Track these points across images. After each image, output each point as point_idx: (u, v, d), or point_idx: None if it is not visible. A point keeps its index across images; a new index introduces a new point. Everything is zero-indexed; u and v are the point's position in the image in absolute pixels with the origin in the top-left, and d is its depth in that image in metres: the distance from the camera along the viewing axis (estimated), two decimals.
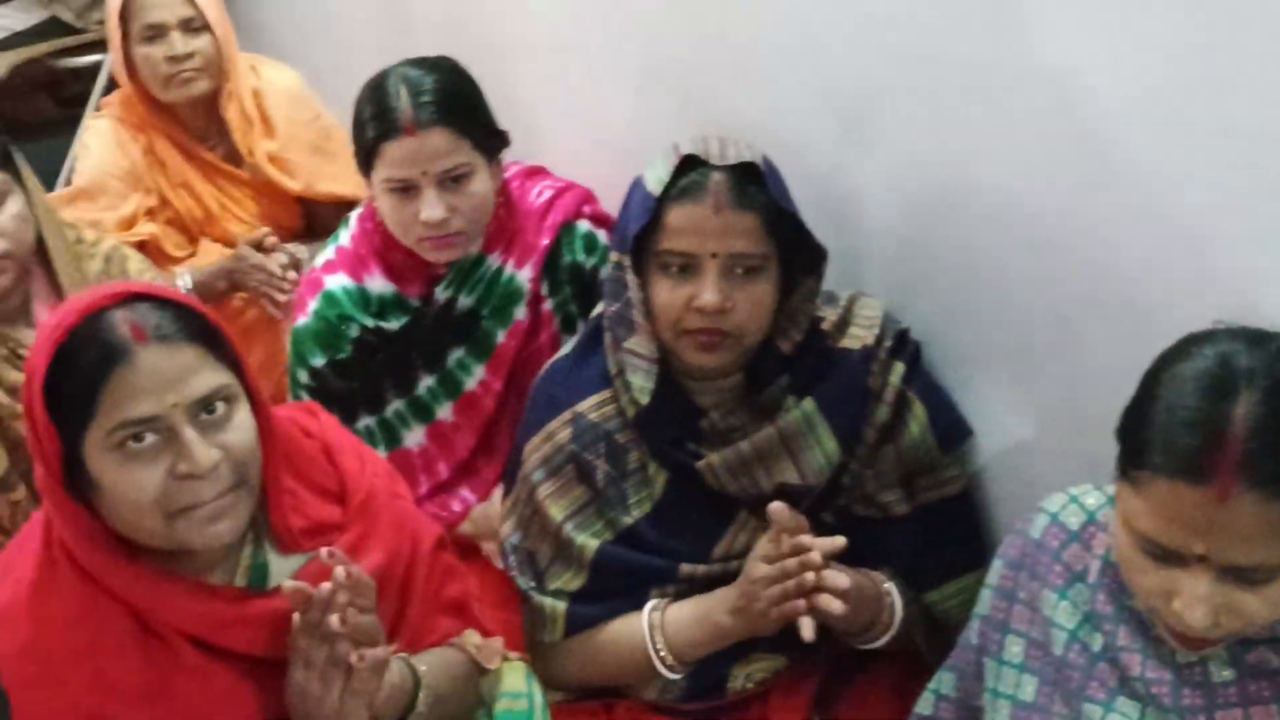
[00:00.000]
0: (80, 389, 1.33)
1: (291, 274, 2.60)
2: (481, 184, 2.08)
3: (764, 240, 1.67)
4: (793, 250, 1.71)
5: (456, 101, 2.05)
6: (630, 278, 1.72)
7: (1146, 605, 1.23)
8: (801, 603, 1.56)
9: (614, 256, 1.76)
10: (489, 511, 2.17)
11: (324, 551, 1.42)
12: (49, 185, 2.95)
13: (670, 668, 1.73)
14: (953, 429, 1.78)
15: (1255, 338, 1.15)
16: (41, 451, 1.37)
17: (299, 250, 2.71)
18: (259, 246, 2.62)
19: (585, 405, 1.82)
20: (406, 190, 2.04)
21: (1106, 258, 1.51)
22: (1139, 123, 1.42)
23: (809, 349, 1.77)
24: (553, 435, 1.83)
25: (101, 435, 1.34)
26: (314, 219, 3.01)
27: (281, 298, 2.57)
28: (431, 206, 2.02)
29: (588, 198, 2.28)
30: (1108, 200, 1.49)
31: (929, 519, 1.78)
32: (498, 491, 2.15)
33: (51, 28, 3.82)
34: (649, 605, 1.75)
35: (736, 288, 1.67)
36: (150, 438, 1.34)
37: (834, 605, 1.55)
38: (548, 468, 1.82)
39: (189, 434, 1.35)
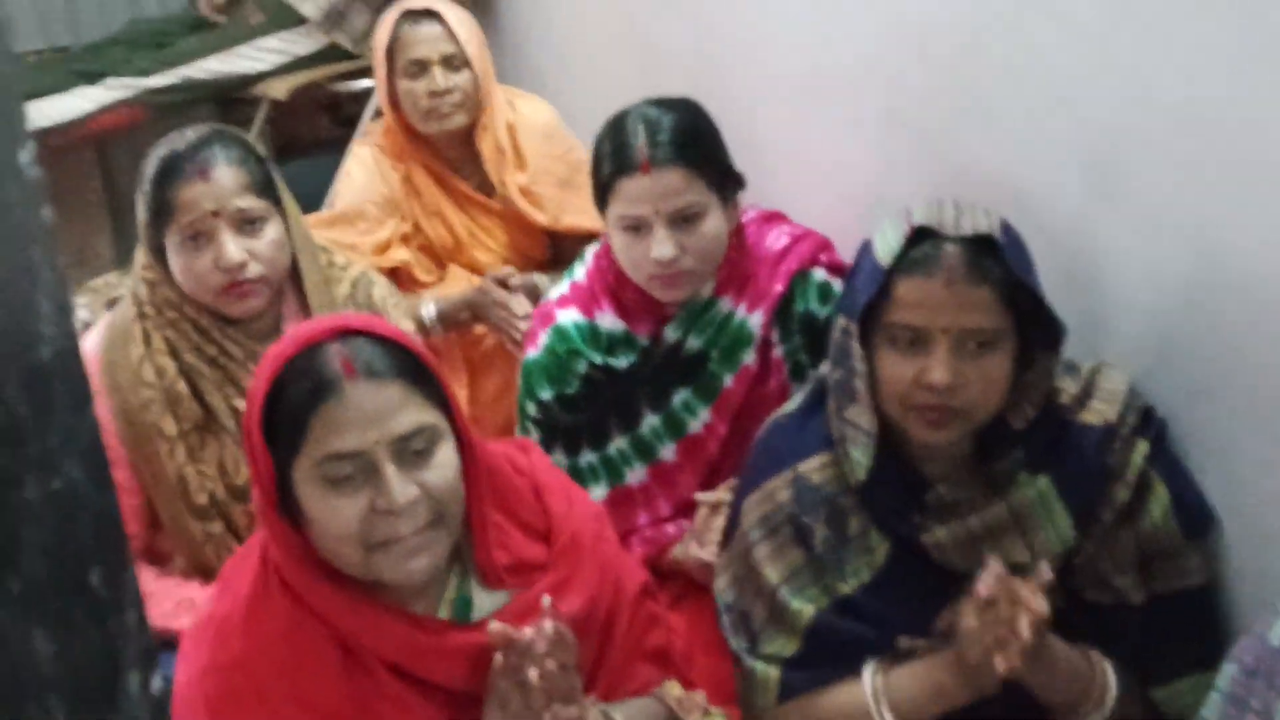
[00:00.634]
0: (291, 419, 1.38)
1: (526, 306, 2.66)
2: (714, 224, 2.07)
3: (999, 314, 1.59)
4: (1031, 321, 1.63)
5: (692, 141, 2.05)
6: (855, 347, 1.66)
7: None
8: (1007, 634, 1.49)
9: (841, 322, 1.71)
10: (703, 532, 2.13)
11: (546, 600, 1.42)
12: (320, 201, 3.09)
13: None
14: (1197, 515, 1.65)
15: None
16: (257, 474, 1.42)
17: (541, 280, 2.76)
18: (503, 284, 2.69)
19: (807, 466, 1.77)
20: (639, 228, 2.05)
21: None
22: None
23: (1045, 422, 1.67)
24: (772, 494, 1.79)
25: (309, 465, 1.38)
26: (560, 250, 3.06)
27: (517, 336, 2.62)
28: (662, 245, 2.02)
29: (825, 246, 2.24)
30: None
31: (1165, 610, 1.66)
32: (715, 519, 2.12)
33: (331, 53, 4.02)
34: (868, 669, 1.69)
35: (968, 363, 1.59)
36: (352, 471, 1.38)
37: (1022, 625, 1.47)
38: (765, 527, 1.78)
39: (389, 470, 1.38)
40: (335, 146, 3.44)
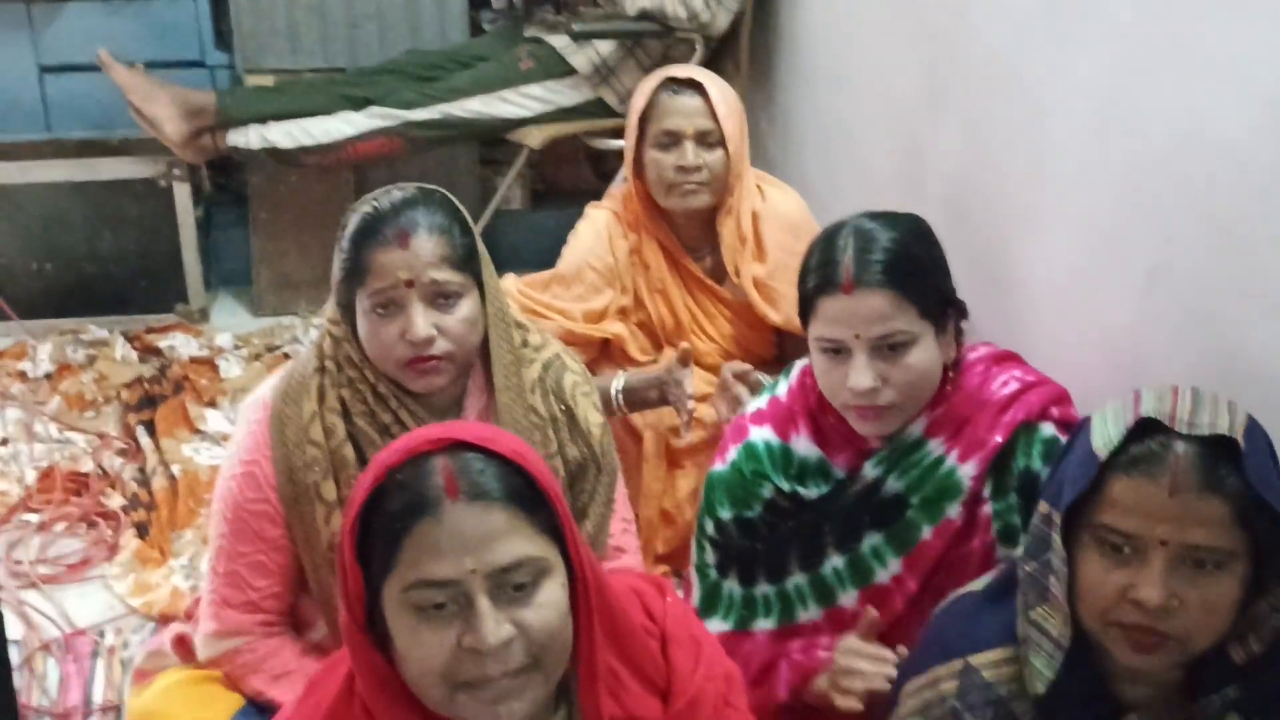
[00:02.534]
0: (385, 536, 1.28)
1: (744, 396, 2.51)
2: (923, 356, 1.88)
3: (1232, 532, 1.36)
4: (1270, 545, 1.38)
5: (906, 263, 1.87)
6: (1056, 541, 1.45)
7: None
8: None
9: (1043, 508, 1.50)
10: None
11: None
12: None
13: None
14: None
15: None
16: (345, 590, 1.32)
17: (764, 380, 2.60)
18: (684, 361, 2.55)
19: (981, 659, 1.56)
20: (839, 351, 1.88)
21: None
22: None
23: (1273, 662, 1.43)
24: (937, 682, 1.59)
25: (399, 589, 1.28)
26: (786, 351, 2.90)
27: (683, 415, 2.54)
28: (860, 374, 1.85)
29: (1060, 398, 1.99)
30: None
31: None
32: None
33: (595, 108, 3.97)
34: None
35: (1189, 583, 1.38)
36: (445, 601, 1.27)
37: None
38: (924, 718, 1.58)
39: (483, 605, 1.26)
40: (595, 197, 3.39)
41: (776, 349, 2.93)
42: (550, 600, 1.30)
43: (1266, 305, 1.67)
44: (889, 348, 1.86)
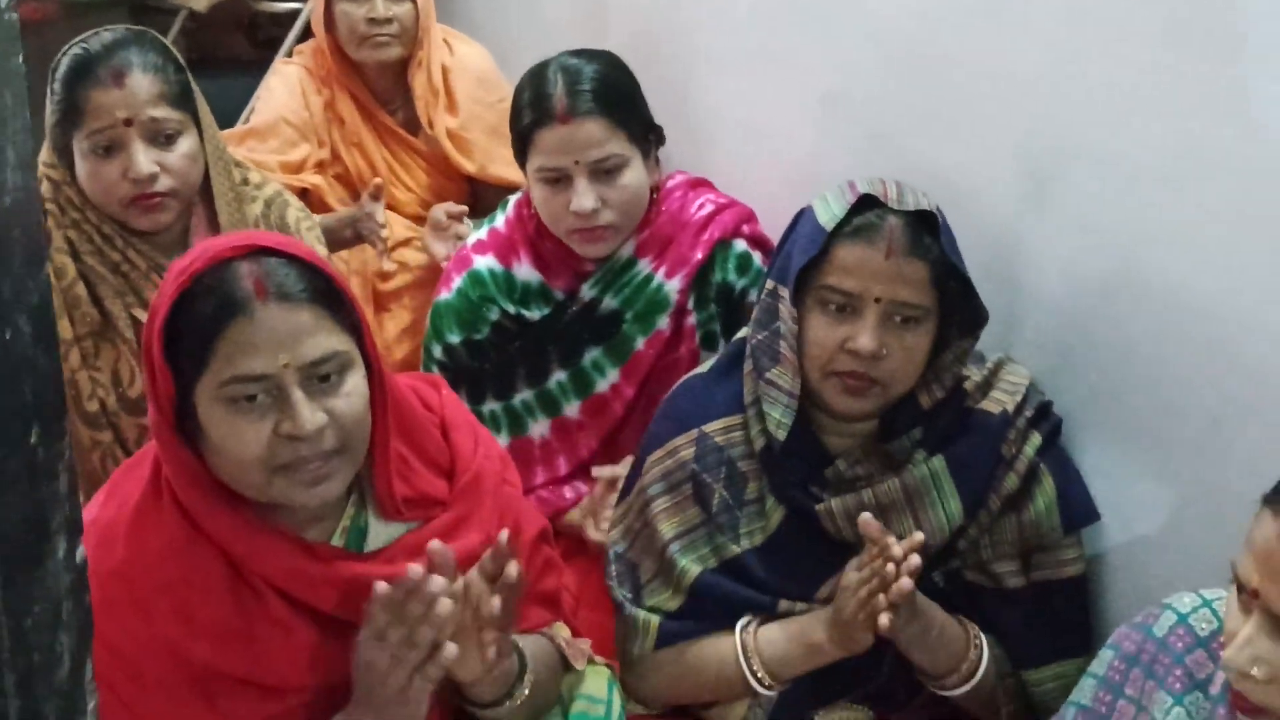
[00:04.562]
0: (196, 338, 1.34)
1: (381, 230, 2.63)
2: (635, 178, 2.07)
3: (929, 292, 1.63)
4: (954, 307, 1.67)
5: (613, 92, 2.05)
6: (785, 309, 1.68)
7: None
8: (882, 597, 1.52)
9: (770, 284, 1.73)
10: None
11: (433, 544, 1.40)
12: (229, 123, 3.02)
13: (763, 684, 1.69)
14: (1080, 510, 1.71)
15: None
16: (155, 391, 1.38)
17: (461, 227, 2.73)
18: (374, 196, 2.62)
19: (713, 426, 1.78)
20: (559, 180, 2.05)
21: (1274, 368, 1.43)
22: None
23: (948, 406, 1.72)
24: (676, 451, 1.80)
25: (213, 386, 1.35)
26: (479, 199, 3.02)
27: (378, 245, 2.60)
28: (583, 196, 2.02)
29: (749, 217, 2.25)
30: None
31: (1040, 597, 1.72)
32: (610, 496, 2.12)
33: None
34: (740, 623, 1.72)
35: (893, 336, 1.63)
36: (259, 394, 1.34)
37: (905, 584, 1.51)
38: (666, 483, 1.79)
39: (297, 395, 1.35)
40: (250, 69, 3.36)
41: (471, 198, 3.04)
42: (355, 390, 1.41)
43: (937, 124, 1.94)
44: (605, 172, 2.04)
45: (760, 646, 1.70)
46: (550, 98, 2.03)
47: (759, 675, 1.69)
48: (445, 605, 1.35)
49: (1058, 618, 1.72)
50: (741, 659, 1.69)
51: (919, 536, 1.55)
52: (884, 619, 1.51)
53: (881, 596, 1.52)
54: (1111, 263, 1.66)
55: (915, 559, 1.52)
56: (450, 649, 1.37)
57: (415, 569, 1.36)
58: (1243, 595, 1.15)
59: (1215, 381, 1.52)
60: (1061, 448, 1.74)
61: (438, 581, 1.35)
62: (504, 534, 1.43)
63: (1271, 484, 1.15)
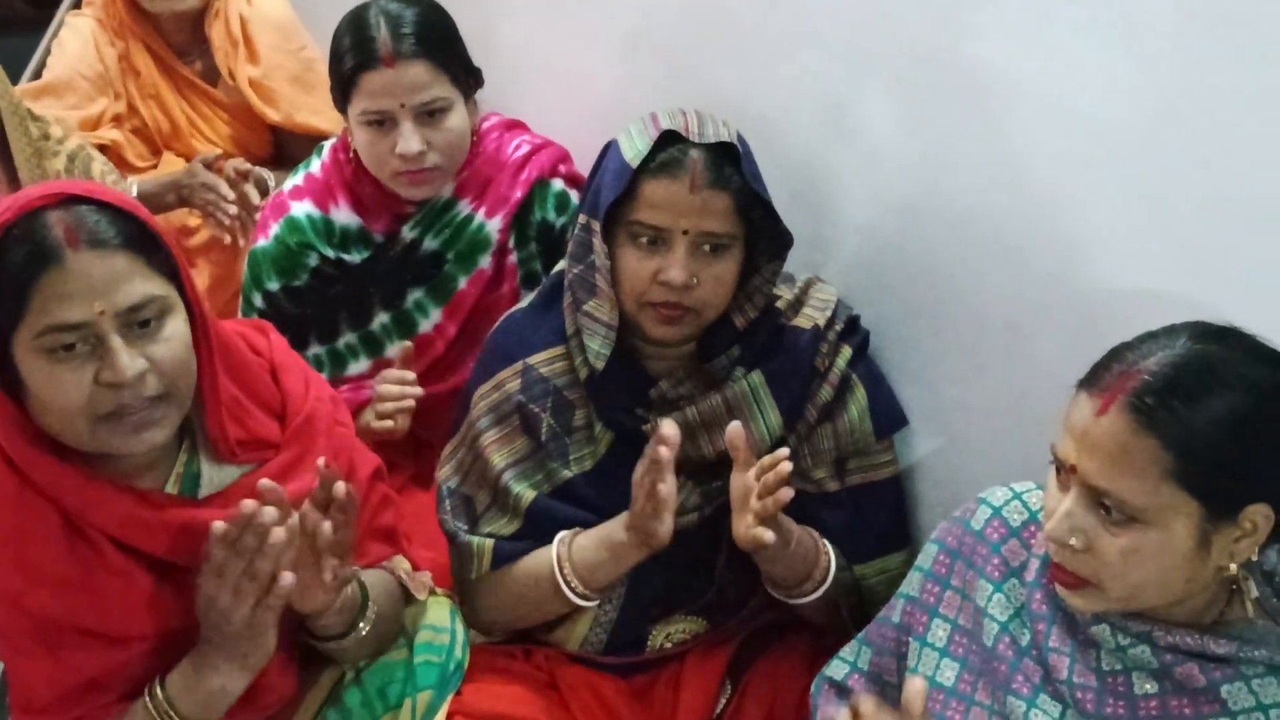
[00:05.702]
0: (9, 289, 1.32)
1: (252, 196, 2.56)
2: (458, 120, 2.08)
3: (734, 221, 1.69)
4: (760, 232, 1.73)
5: (436, 35, 2.05)
6: (598, 244, 1.72)
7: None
8: (752, 516, 1.57)
9: (582, 219, 1.77)
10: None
11: (264, 482, 1.40)
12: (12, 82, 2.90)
13: (577, 593, 1.74)
14: (889, 416, 1.82)
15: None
16: None
17: (267, 175, 2.68)
18: (209, 166, 2.57)
19: (537, 359, 1.82)
20: (383, 123, 2.04)
21: (1065, 272, 1.54)
22: (1114, 147, 1.44)
23: (762, 325, 1.80)
24: (502, 384, 1.83)
25: (30, 336, 1.33)
26: (284, 148, 2.99)
27: (226, 221, 2.52)
28: (408, 139, 2.02)
29: (564, 157, 2.28)
30: (1073, 219, 1.52)
31: (858, 499, 1.82)
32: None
33: None
34: (559, 535, 1.76)
35: (702, 265, 1.69)
36: (76, 343, 1.33)
37: (785, 492, 1.55)
38: (494, 415, 1.82)
39: (115, 342, 1.34)
40: (29, 28, 3.21)
41: (274, 147, 3.01)
42: (175, 334, 1.40)
43: (737, 57, 2.01)
44: (429, 114, 2.04)
45: (573, 554, 1.74)
46: (374, 41, 2.01)
47: (571, 583, 1.73)
48: (279, 534, 1.37)
49: (877, 517, 1.82)
50: (555, 567, 1.73)
51: (784, 451, 1.59)
52: (767, 534, 1.56)
53: (752, 514, 1.56)
54: (914, 185, 1.75)
55: (786, 465, 1.56)
56: (288, 578, 1.39)
57: (249, 503, 1.37)
58: (1061, 473, 1.24)
59: (1012, 288, 1.62)
60: (871, 359, 1.84)
61: (270, 513, 1.37)
62: (321, 460, 1.45)
63: (1067, 382, 1.24)
